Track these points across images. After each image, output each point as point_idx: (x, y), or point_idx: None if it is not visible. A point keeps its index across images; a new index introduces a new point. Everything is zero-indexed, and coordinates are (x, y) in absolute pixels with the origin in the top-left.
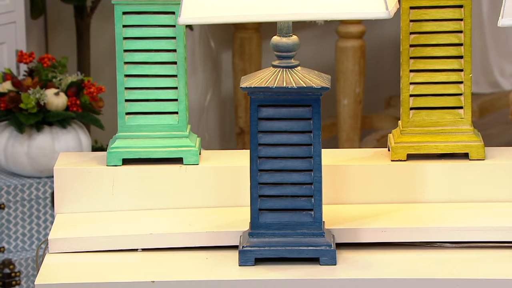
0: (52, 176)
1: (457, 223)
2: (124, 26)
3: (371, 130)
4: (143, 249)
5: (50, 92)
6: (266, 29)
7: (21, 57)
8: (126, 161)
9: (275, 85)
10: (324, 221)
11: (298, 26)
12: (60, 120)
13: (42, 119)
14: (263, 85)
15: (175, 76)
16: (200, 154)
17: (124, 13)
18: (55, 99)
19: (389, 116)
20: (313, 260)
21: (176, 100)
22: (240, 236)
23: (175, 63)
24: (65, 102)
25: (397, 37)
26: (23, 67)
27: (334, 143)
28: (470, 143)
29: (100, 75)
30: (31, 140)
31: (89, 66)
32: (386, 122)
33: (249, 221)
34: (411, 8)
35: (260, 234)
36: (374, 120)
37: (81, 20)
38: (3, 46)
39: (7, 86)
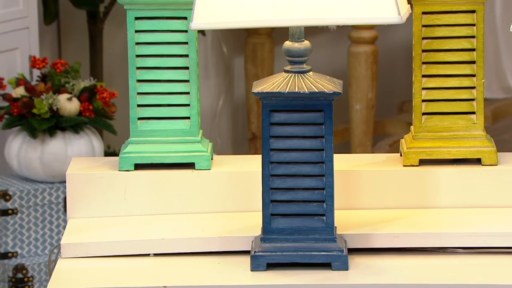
0: (65, 181)
1: (469, 229)
2: (136, 31)
3: (384, 136)
4: (155, 254)
5: (63, 98)
6: (279, 34)
7: (34, 63)
8: (138, 166)
9: (287, 90)
10: (336, 226)
11: (311, 32)
12: (73, 125)
13: (55, 124)
14: (275, 90)
15: (187, 81)
16: (212, 159)
17: (137, 18)
18: (68, 104)
19: (402, 121)
20: (325, 265)
21: (188, 105)
22: (252, 241)
23: (187, 68)
24: (78, 107)
25: (409, 43)
26: (36, 73)
27: (346, 149)
28: (483, 149)
29: (113, 81)
30: (44, 145)
31: (101, 72)
32: (398, 128)
33: (261, 226)
34: (424, 13)
35: (272, 239)
36: (387, 125)
37: (94, 26)
38: (16, 52)
39: (20, 91)
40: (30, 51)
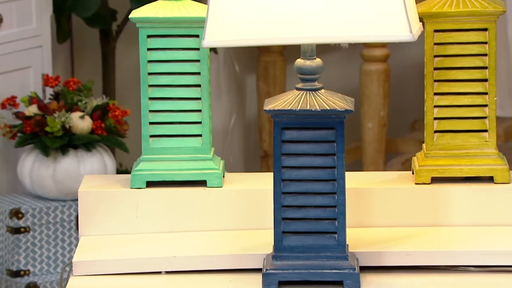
0: (77, 199)
1: (482, 247)
2: (148, 49)
3: (396, 154)
4: (167, 272)
5: (75, 116)
6: (291, 52)
7: (47, 81)
8: (150, 184)
9: (298, 108)
10: (348, 244)
11: (323, 50)
12: (85, 143)
13: (67, 142)
14: (286, 108)
15: (199, 99)
16: (223, 176)
17: (149, 36)
18: (80, 123)
19: (414, 139)
20: (337, 283)
21: (200, 123)
22: (264, 259)
23: (199, 86)
24: (90, 125)
25: (421, 61)
26: (49, 91)
27: (358, 167)
28: (495, 167)
29: (125, 98)
30: (57, 163)
31: (114, 90)
32: (411, 146)
33: (273, 244)
34: (436, 31)
35: (283, 257)
36: (399, 143)
37: (107, 44)
38: (30, 70)
39: (33, 109)
40: (43, 70)
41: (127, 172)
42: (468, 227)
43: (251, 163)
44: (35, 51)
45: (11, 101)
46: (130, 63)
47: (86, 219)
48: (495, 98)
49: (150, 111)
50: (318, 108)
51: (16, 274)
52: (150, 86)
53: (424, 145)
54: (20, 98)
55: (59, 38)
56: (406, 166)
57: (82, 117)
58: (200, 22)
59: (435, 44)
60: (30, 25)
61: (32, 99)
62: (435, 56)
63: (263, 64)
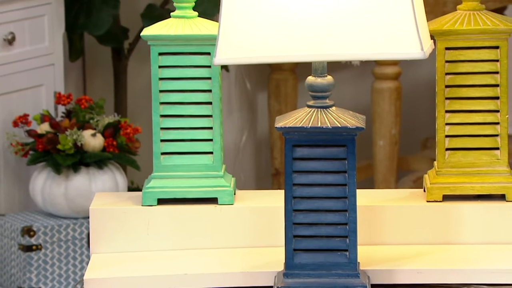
0: (89, 217)
1: (493, 265)
2: (160, 66)
3: (408, 172)
4: None
5: (87, 133)
6: (302, 70)
7: (59, 99)
8: (161, 201)
9: (309, 125)
10: (359, 262)
11: (335, 68)
12: (97, 161)
13: (79, 160)
14: (298, 125)
15: (210, 116)
16: (235, 194)
17: (160, 54)
18: (92, 140)
19: (426, 157)
20: None
21: (211, 140)
22: (275, 276)
23: (210, 103)
24: (102, 143)
25: (433, 79)
26: (61, 109)
27: (370, 185)
28: (507, 184)
29: (137, 116)
30: (68, 181)
31: (126, 107)
32: (422, 164)
33: (284, 261)
34: (447, 48)
35: (295, 275)
36: (411, 161)
37: (119, 62)
38: (42, 88)
39: (45, 127)
40: (55, 87)
41: (139, 189)
42: (480, 245)
43: (262, 181)
44: (47, 69)
45: (23, 119)
46: (142, 81)
47: (97, 237)
48: (506, 116)
49: (162, 128)
50: (329, 126)
51: None
52: (162, 103)
53: (435, 163)
54: (32, 116)
55: (71, 56)
56: (417, 184)
57: (93, 135)
58: (212, 40)
59: (447, 61)
60: (43, 43)
61: (44, 117)
62: (446, 74)
63: (274, 82)
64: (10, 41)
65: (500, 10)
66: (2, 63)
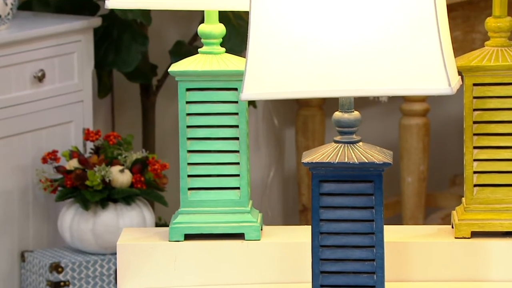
0: (116, 253)
1: None
2: (187, 102)
3: (436, 209)
4: None
5: (115, 169)
6: (330, 106)
7: (87, 135)
8: (188, 237)
9: (336, 161)
10: None
11: (363, 104)
12: (125, 197)
13: (107, 196)
14: (324, 160)
15: (237, 151)
16: (261, 229)
17: (188, 89)
18: (120, 176)
19: (454, 194)
20: None
21: (238, 175)
22: None
23: (237, 138)
24: (130, 179)
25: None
26: (90, 145)
27: (398, 221)
28: None
29: (165, 152)
30: (96, 217)
31: (154, 143)
32: (451, 201)
33: None
34: (475, 84)
35: None
36: (439, 198)
37: (147, 99)
38: (71, 125)
39: (73, 163)
40: (84, 124)
41: (166, 225)
42: (508, 283)
43: (289, 217)
44: (76, 105)
45: (53, 155)
46: (170, 117)
47: (124, 272)
48: None
49: (189, 163)
50: (356, 161)
51: None
52: (189, 139)
53: (463, 199)
54: (61, 152)
55: (100, 93)
56: (446, 221)
57: (122, 171)
58: (239, 76)
59: (474, 97)
60: (72, 80)
61: (73, 153)
62: (474, 110)
63: (302, 118)
64: (40, 78)
65: None
66: (32, 100)
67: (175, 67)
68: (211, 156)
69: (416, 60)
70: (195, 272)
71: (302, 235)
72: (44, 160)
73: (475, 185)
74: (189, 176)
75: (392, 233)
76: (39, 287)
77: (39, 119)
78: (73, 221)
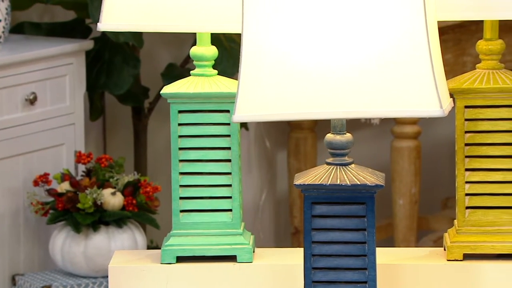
0: (108, 276)
1: None
2: (179, 124)
3: (428, 231)
4: None
5: (107, 192)
6: (322, 128)
7: (79, 158)
8: (180, 259)
9: (328, 183)
10: None
11: (354, 126)
12: (116, 219)
13: (98, 218)
14: (316, 182)
15: (229, 173)
16: (254, 251)
17: (180, 111)
18: (112, 199)
19: (446, 217)
20: None
21: (230, 197)
22: None
23: (229, 160)
24: (122, 201)
25: (452, 138)
26: (81, 168)
27: (390, 244)
28: None
29: (157, 175)
30: (88, 240)
31: (146, 166)
32: (443, 223)
33: None
34: (466, 107)
35: None
36: (431, 221)
37: (139, 121)
38: (63, 147)
39: (65, 186)
40: (75, 146)
41: (158, 248)
42: None
43: (281, 239)
44: (68, 128)
45: (44, 178)
46: (162, 140)
47: None
48: None
49: (181, 186)
50: (348, 183)
51: None
52: (181, 161)
53: (455, 221)
54: (52, 175)
55: (92, 116)
56: (438, 244)
57: (113, 194)
58: (231, 98)
59: (466, 120)
60: (64, 103)
61: (64, 176)
62: (466, 132)
63: (294, 141)
64: (32, 101)
65: None
66: (24, 123)
67: (167, 89)
68: (203, 178)
69: (408, 82)
70: None
71: (294, 257)
72: (36, 183)
73: (467, 207)
74: (181, 198)
75: (384, 255)
76: None
77: (30, 142)
78: (65, 244)
